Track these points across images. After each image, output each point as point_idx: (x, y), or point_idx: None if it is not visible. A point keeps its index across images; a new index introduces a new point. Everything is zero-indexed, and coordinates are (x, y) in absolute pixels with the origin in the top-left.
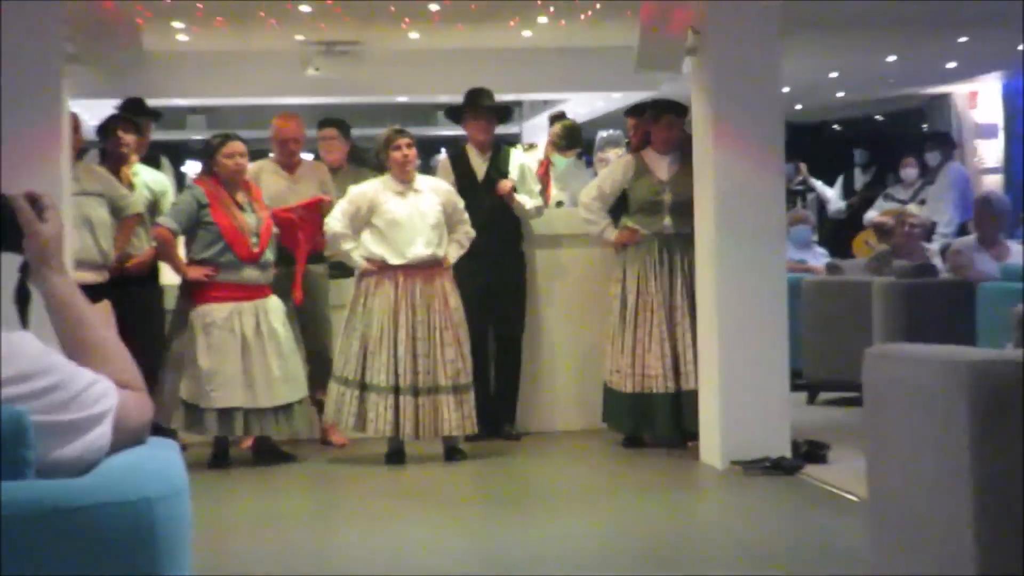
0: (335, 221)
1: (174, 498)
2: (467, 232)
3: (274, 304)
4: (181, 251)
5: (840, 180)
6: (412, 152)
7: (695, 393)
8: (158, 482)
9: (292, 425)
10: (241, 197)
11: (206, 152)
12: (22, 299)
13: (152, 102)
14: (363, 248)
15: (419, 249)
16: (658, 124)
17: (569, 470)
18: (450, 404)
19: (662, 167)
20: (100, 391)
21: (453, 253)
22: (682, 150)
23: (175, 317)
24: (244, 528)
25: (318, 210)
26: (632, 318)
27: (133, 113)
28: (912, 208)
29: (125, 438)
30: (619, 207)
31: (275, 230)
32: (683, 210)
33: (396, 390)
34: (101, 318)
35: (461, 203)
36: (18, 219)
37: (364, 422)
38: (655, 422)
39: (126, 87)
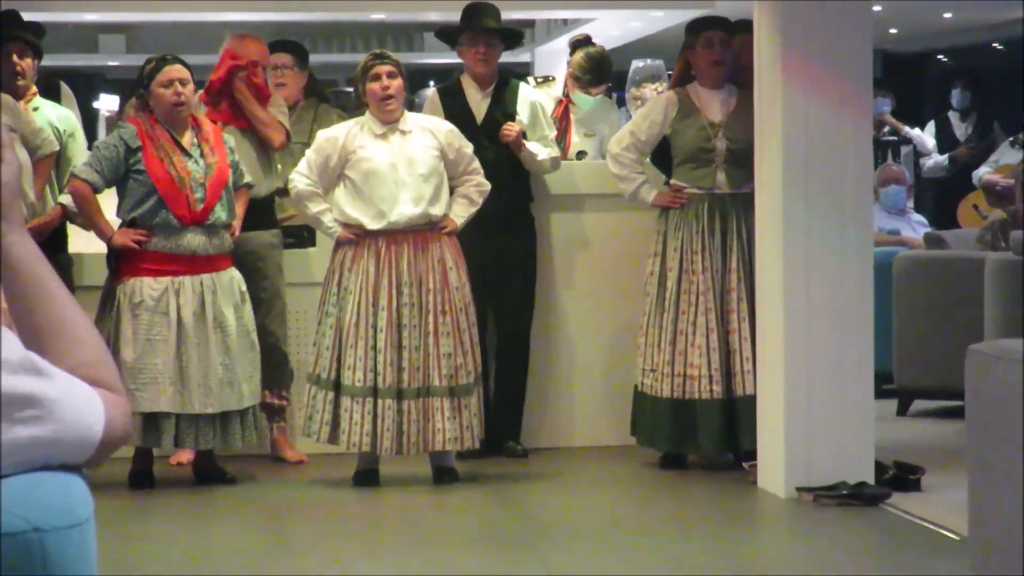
0: (300, 177)
1: (73, 530)
2: (479, 185)
3: (227, 281)
4: (110, 211)
5: (932, 126)
6: (396, 84)
7: (752, 400)
8: (53, 510)
9: (230, 440)
10: (188, 139)
11: (140, 81)
12: None
13: (51, 16)
14: (337, 210)
15: (405, 208)
16: (698, 45)
17: (589, 498)
18: (445, 411)
19: (713, 105)
20: (93, 416)
21: (460, 212)
22: (740, 84)
23: (103, 296)
24: (168, 569)
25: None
26: (673, 303)
27: (8, 28)
28: None
29: (97, 459)
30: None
31: (231, 178)
32: (742, 162)
33: (375, 392)
34: (68, 293)
35: (469, 147)
36: None
37: (338, 433)
38: (698, 437)
39: None
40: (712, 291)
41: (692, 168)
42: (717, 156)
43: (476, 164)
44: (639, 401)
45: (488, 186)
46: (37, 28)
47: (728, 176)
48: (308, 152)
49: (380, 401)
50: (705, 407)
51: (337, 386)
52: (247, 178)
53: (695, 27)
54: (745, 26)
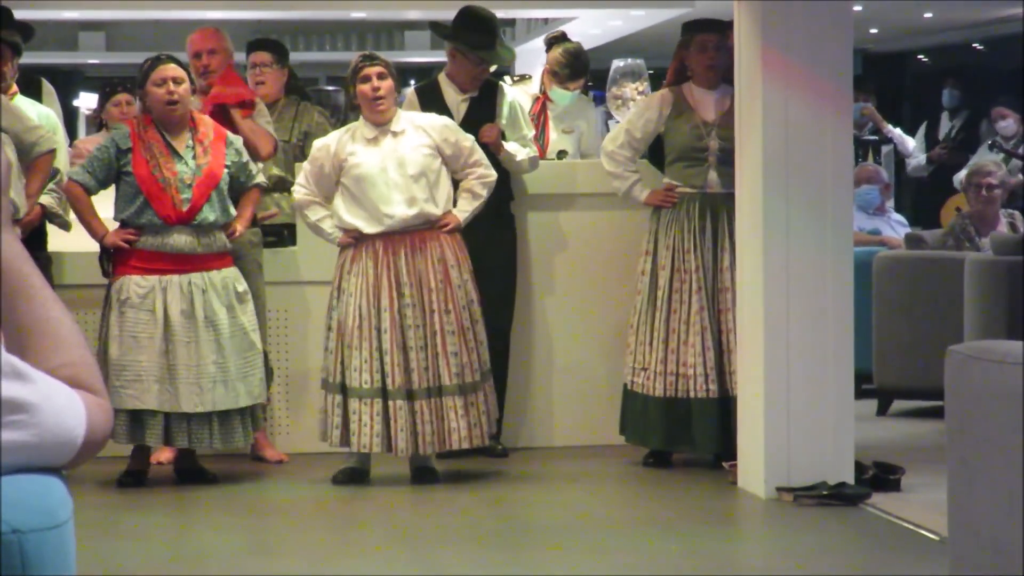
0: (298, 187)
1: (52, 532)
2: (481, 177)
3: (220, 281)
4: (108, 212)
5: (923, 127)
6: (386, 84)
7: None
8: (32, 512)
9: (232, 439)
10: (184, 139)
11: (140, 80)
12: None
13: (30, 14)
14: (337, 218)
15: (399, 209)
16: (692, 47)
17: (569, 497)
18: (458, 409)
19: (707, 105)
20: (74, 419)
21: (463, 207)
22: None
23: (105, 296)
24: (150, 568)
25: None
26: (665, 302)
27: None
28: (989, 163)
29: (77, 461)
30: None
31: (225, 179)
32: (734, 161)
33: (384, 394)
34: (52, 293)
35: (468, 139)
36: None
37: (349, 435)
38: (694, 436)
39: None
40: (704, 290)
41: (684, 167)
42: (709, 155)
43: (478, 156)
44: (629, 399)
45: (493, 176)
46: (23, 27)
47: (720, 175)
48: (304, 163)
49: (391, 402)
50: (701, 406)
51: (344, 389)
52: (258, 178)
53: (689, 28)
54: None
